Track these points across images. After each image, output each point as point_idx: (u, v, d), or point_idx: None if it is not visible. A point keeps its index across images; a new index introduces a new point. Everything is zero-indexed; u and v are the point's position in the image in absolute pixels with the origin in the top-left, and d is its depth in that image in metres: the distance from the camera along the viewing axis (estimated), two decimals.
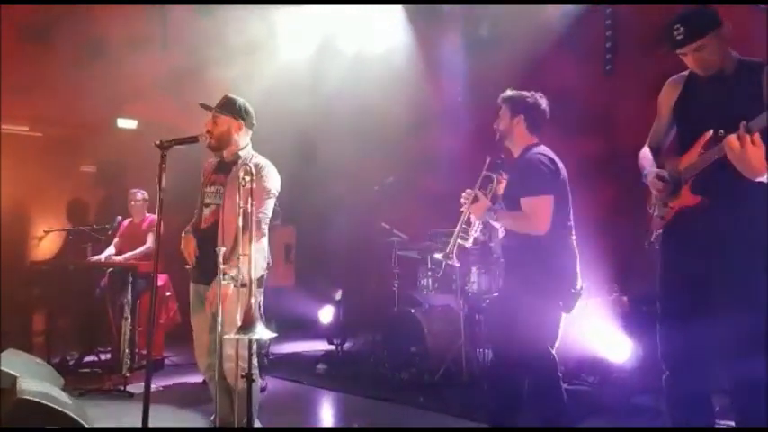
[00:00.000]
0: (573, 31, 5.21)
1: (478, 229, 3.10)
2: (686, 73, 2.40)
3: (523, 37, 5.56)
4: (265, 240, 2.94)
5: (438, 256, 3.16)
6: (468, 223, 2.99)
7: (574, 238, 2.84)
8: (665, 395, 2.41)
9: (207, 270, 2.81)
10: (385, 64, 6.29)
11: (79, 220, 6.14)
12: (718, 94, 2.25)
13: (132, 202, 5.44)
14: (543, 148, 2.85)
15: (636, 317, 4.20)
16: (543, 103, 2.90)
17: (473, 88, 6.20)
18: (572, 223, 2.85)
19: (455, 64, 6.37)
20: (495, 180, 3.05)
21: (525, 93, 2.90)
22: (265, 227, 2.91)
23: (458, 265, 3.16)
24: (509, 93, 2.94)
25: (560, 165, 2.81)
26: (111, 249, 5.42)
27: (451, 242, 3.00)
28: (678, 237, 2.34)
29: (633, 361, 4.08)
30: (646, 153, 2.53)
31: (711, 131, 2.17)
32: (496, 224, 2.96)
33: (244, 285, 2.49)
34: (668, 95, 2.46)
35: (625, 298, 4.36)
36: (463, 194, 2.98)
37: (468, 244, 3.06)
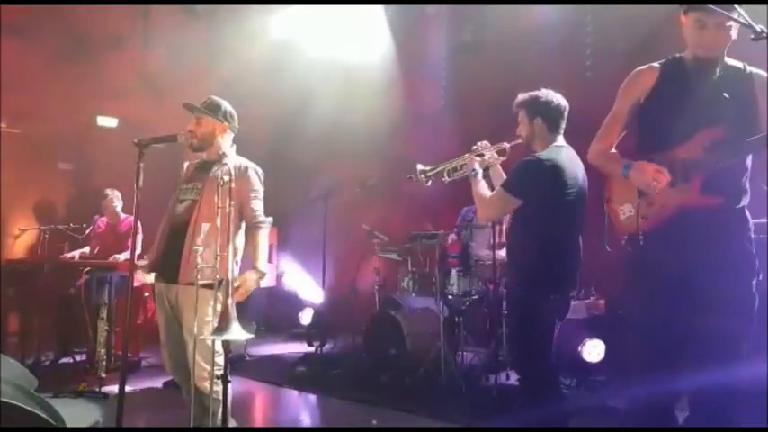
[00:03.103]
0: (554, 36, 5.27)
1: (459, 176, 3.00)
2: (657, 65, 2.28)
3: (506, 41, 5.62)
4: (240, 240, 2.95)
5: (419, 166, 3.00)
6: (461, 168, 2.94)
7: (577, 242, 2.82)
8: (633, 400, 2.33)
9: (173, 266, 2.78)
10: (370, 67, 6.32)
11: (56, 218, 6.05)
12: (707, 89, 2.15)
13: (103, 202, 5.37)
14: (549, 153, 2.71)
15: (611, 320, 4.26)
16: (558, 98, 2.81)
17: (456, 91, 6.24)
18: (575, 228, 2.80)
19: (439, 67, 6.41)
20: (503, 155, 2.98)
21: (538, 93, 2.81)
22: (266, 225, 2.96)
23: (428, 185, 3.00)
24: (522, 97, 2.84)
25: (559, 171, 2.66)
26: (86, 249, 5.35)
27: (438, 167, 2.95)
28: (677, 237, 2.13)
29: (608, 364, 4.14)
30: (602, 150, 2.38)
31: (720, 128, 2.07)
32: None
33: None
34: (638, 86, 2.30)
35: (602, 301, 4.42)
36: (479, 143, 2.95)
37: (446, 180, 2.97)
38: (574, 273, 2.81)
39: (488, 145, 2.94)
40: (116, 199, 5.36)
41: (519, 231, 2.86)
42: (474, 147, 2.95)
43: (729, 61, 2.21)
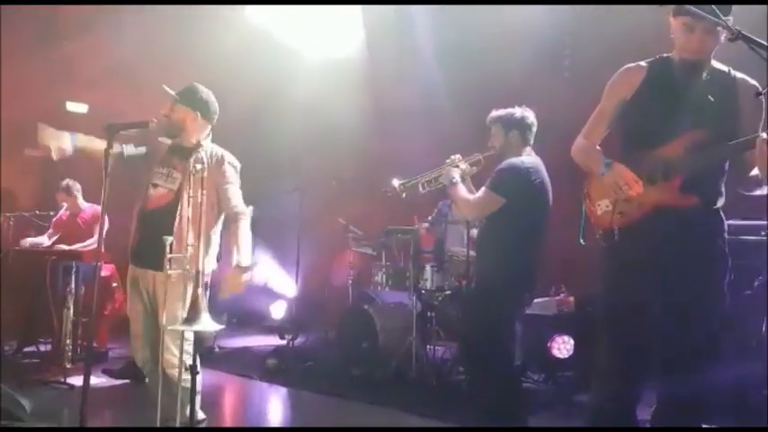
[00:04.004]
0: (532, 37, 5.31)
1: (434, 187, 3.18)
2: (644, 64, 2.29)
3: (484, 42, 5.65)
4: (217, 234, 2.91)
5: (395, 181, 3.21)
6: (436, 180, 3.14)
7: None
8: (601, 406, 2.31)
9: (150, 255, 2.67)
10: (347, 61, 6.29)
11: (21, 205, 5.88)
12: (693, 91, 2.17)
13: (56, 194, 5.24)
14: (528, 159, 3.02)
15: (581, 317, 4.33)
16: (531, 114, 3.10)
17: (434, 91, 6.24)
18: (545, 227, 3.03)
19: (417, 66, 6.41)
20: (477, 165, 3.16)
21: (512, 109, 3.09)
22: (246, 216, 2.89)
23: (403, 196, 3.23)
24: (497, 112, 3.11)
25: (538, 174, 2.96)
26: (44, 239, 5.21)
27: (413, 180, 3.18)
28: (652, 234, 2.15)
29: (577, 360, 4.21)
30: (586, 146, 2.38)
31: (703, 130, 2.10)
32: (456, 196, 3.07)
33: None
34: (626, 84, 2.29)
35: (572, 298, 4.49)
36: (452, 156, 3.15)
37: (422, 190, 3.18)
38: (538, 271, 3.04)
39: (461, 158, 3.15)
40: (68, 191, 5.21)
41: (496, 230, 3.00)
42: (448, 160, 3.14)
43: (716, 65, 2.23)
